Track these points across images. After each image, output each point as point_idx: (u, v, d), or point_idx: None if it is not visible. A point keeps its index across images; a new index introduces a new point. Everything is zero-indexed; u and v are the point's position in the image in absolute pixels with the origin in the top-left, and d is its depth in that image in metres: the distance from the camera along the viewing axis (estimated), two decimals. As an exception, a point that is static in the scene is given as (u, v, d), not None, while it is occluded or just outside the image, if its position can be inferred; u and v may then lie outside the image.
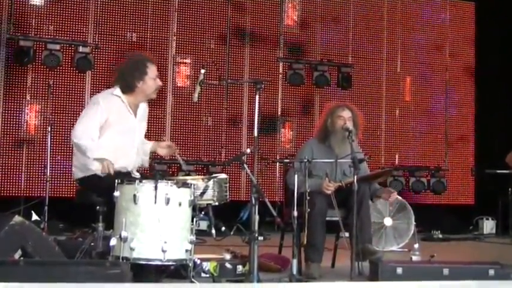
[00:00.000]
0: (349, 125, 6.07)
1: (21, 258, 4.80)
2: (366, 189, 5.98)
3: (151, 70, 5.53)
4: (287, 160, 6.86)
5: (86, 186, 5.40)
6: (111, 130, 5.37)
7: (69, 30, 9.92)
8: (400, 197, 8.31)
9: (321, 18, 11.29)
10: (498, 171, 8.52)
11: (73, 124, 5.47)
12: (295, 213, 5.43)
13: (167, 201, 4.84)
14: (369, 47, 11.53)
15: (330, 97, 10.90)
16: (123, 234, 4.75)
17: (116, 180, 4.92)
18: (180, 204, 4.89)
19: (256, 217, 5.08)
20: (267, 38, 10.98)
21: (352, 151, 5.68)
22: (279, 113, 10.95)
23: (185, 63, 10.51)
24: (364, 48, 11.51)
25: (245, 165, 5.38)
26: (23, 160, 9.57)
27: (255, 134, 5.35)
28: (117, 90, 5.49)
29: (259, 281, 5.04)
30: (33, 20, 9.79)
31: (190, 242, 4.92)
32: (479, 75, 12.03)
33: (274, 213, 5.26)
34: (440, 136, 11.86)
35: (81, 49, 9.80)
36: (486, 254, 8.59)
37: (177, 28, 10.49)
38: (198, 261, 5.21)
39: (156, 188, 4.84)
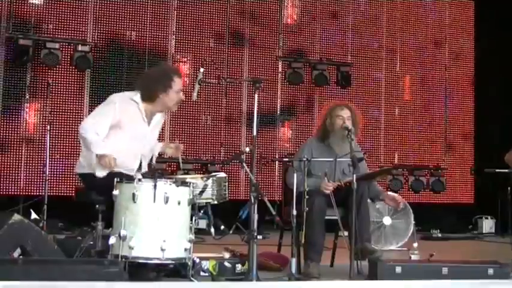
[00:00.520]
0: (349, 124, 6.06)
1: (20, 256, 4.80)
2: (365, 189, 5.97)
3: (177, 84, 5.48)
4: (286, 159, 6.87)
5: (86, 183, 5.39)
6: (121, 132, 5.35)
7: (68, 29, 9.92)
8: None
9: (321, 17, 11.29)
10: (497, 170, 8.51)
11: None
12: (294, 212, 5.44)
13: (166, 200, 4.84)
14: (368, 46, 11.53)
15: (329, 96, 10.91)
16: (122, 232, 4.75)
17: (115, 179, 4.92)
18: (179, 203, 4.90)
19: (256, 216, 5.08)
20: (266, 36, 10.97)
21: (351, 150, 5.68)
22: (278, 112, 10.95)
23: (184, 61, 10.51)
24: (364, 47, 11.51)
25: (244, 164, 5.38)
26: (22, 159, 9.57)
27: (254, 132, 5.35)
28: (137, 97, 5.44)
29: (258, 279, 5.04)
30: (33, 18, 9.79)
31: (190, 241, 4.92)
32: (478, 74, 12.03)
33: (274, 212, 5.26)
34: (440, 135, 11.87)
35: (80, 48, 9.79)
36: (485, 253, 8.59)
37: (176, 27, 10.48)
38: (197, 260, 5.21)
39: (155, 186, 4.84)
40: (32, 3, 9.81)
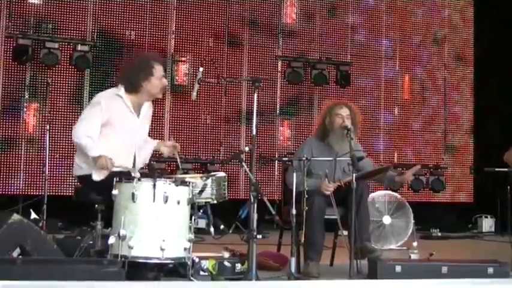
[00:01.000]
0: (348, 123, 6.06)
1: (20, 256, 4.80)
2: (365, 188, 5.98)
3: (158, 70, 5.51)
4: (286, 158, 6.87)
5: (85, 184, 5.39)
6: (112, 130, 5.35)
7: (67, 29, 9.92)
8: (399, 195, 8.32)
9: (320, 16, 11.28)
10: (497, 169, 8.49)
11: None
12: (294, 212, 5.44)
13: (165, 200, 4.84)
14: (367, 45, 11.53)
15: (328, 95, 10.89)
16: (122, 232, 4.75)
17: (115, 179, 4.92)
18: (178, 203, 4.89)
19: (255, 215, 5.08)
20: (266, 36, 10.97)
21: (351, 149, 5.67)
22: (278, 111, 10.95)
23: (184, 61, 10.50)
24: (363, 46, 11.50)
25: (244, 164, 5.38)
26: (22, 158, 9.56)
27: (254, 132, 5.35)
28: (121, 91, 5.46)
29: (257, 279, 5.04)
30: (32, 18, 9.78)
31: (189, 240, 4.91)
32: (478, 73, 12.02)
33: (273, 212, 5.26)
34: (439, 134, 11.86)
35: (79, 47, 9.79)
36: (485, 252, 8.58)
37: (175, 26, 10.48)
38: (197, 260, 5.21)
39: (154, 186, 4.84)
40: (32, 2, 9.80)
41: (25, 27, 9.73)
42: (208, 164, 10.21)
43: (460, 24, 12.10)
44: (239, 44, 10.81)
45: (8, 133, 9.56)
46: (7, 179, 9.49)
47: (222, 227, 5.41)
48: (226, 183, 5.40)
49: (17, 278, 4.29)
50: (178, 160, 5.80)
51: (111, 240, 4.79)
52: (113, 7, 10.13)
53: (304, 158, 5.70)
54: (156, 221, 4.81)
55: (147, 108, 5.62)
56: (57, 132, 9.51)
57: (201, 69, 5.59)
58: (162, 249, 4.76)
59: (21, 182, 9.49)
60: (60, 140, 9.52)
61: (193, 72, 10.32)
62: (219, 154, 10.51)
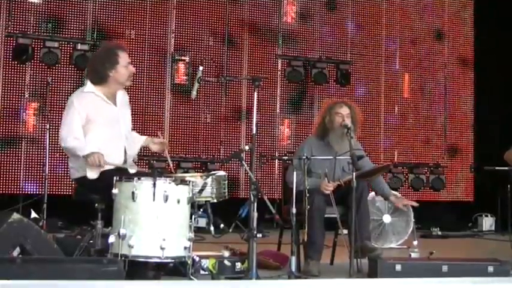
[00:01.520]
0: (348, 121, 6.06)
1: (20, 255, 4.80)
2: (365, 186, 5.98)
3: (123, 58, 5.46)
4: (286, 157, 6.87)
5: (83, 186, 5.38)
6: (94, 125, 5.35)
7: (67, 28, 9.91)
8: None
9: (320, 15, 11.28)
10: (497, 168, 8.50)
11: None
12: (294, 211, 5.44)
13: (165, 199, 4.83)
14: (367, 44, 11.52)
15: (328, 94, 10.90)
16: (122, 231, 4.74)
17: (114, 178, 4.91)
18: (178, 202, 4.89)
19: (255, 214, 5.07)
20: (266, 35, 10.96)
21: (350, 148, 5.67)
22: (278, 110, 10.95)
23: (184, 60, 10.50)
24: (363, 45, 11.50)
25: (244, 163, 5.38)
26: (22, 157, 9.56)
27: (254, 131, 5.35)
28: (87, 87, 5.46)
29: (258, 278, 5.03)
30: (32, 17, 9.78)
31: (189, 239, 4.91)
32: (478, 71, 12.02)
33: (273, 211, 5.26)
34: (439, 133, 11.86)
35: (79, 47, 9.78)
36: (485, 250, 8.58)
37: (175, 25, 10.47)
38: (197, 259, 5.20)
39: (154, 185, 4.83)
40: (31, 1, 9.80)
41: (25, 26, 9.72)
42: (209, 163, 10.22)
43: (460, 23, 12.09)
44: (239, 43, 10.81)
45: (8, 132, 9.56)
46: (7, 178, 9.49)
47: (222, 226, 5.41)
48: (226, 182, 5.40)
49: (16, 278, 4.28)
50: (169, 159, 5.79)
51: (111, 239, 4.78)
52: (112, 6, 10.12)
53: (304, 157, 5.70)
54: (156, 220, 4.80)
55: (122, 96, 5.59)
56: (57, 131, 9.42)
57: (201, 68, 5.59)
58: (162, 248, 4.75)
59: (21, 181, 9.49)
60: (60, 139, 9.50)
61: (193, 71, 10.31)
62: (219, 153, 10.51)
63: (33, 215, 8.53)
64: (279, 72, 10.99)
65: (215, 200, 5.28)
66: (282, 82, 10.98)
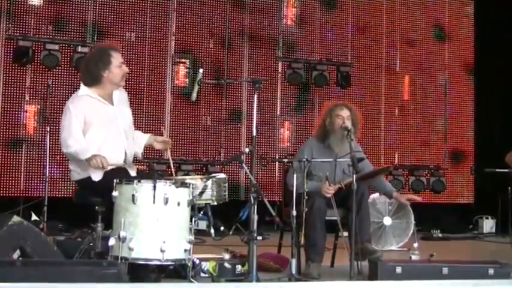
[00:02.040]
0: (348, 124, 6.06)
1: (20, 258, 4.80)
2: (365, 189, 5.98)
3: (116, 58, 5.47)
4: (286, 160, 6.86)
5: (84, 188, 5.38)
6: (93, 127, 5.36)
7: (67, 30, 9.91)
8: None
9: (320, 17, 11.28)
10: (498, 170, 8.50)
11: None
12: (294, 213, 5.44)
13: (166, 201, 4.83)
14: (367, 46, 11.52)
15: (329, 96, 10.89)
16: (122, 234, 4.74)
17: (115, 180, 4.91)
18: (178, 204, 4.89)
19: (255, 217, 5.07)
20: (266, 37, 10.96)
21: (351, 150, 5.67)
22: (278, 112, 10.94)
23: (184, 62, 10.50)
24: (363, 47, 11.49)
25: (244, 165, 5.38)
26: (22, 160, 9.56)
27: (254, 133, 5.35)
28: (81, 90, 5.46)
29: (258, 280, 5.03)
30: (32, 20, 9.78)
31: (189, 242, 4.91)
32: (478, 73, 12.01)
33: (273, 213, 5.26)
34: (440, 135, 11.85)
35: (80, 49, 9.77)
36: (486, 253, 8.58)
37: (176, 28, 10.47)
38: (197, 261, 5.21)
39: (154, 187, 4.83)
40: (32, 4, 9.80)
41: (25, 29, 9.72)
42: (209, 166, 10.22)
43: (460, 24, 12.09)
44: (239, 45, 10.81)
45: (9, 135, 9.56)
46: (8, 181, 9.48)
47: (222, 228, 5.41)
48: (226, 184, 5.40)
49: (16, 280, 4.29)
50: (171, 161, 5.78)
51: (112, 242, 4.78)
52: (113, 9, 10.12)
53: (304, 160, 5.69)
54: (157, 223, 4.80)
55: (119, 94, 5.58)
56: (58, 134, 9.43)
57: (201, 70, 5.59)
58: (162, 251, 4.76)
59: (21, 184, 9.49)
60: (60, 142, 9.49)
61: (193, 73, 10.31)
62: (220, 155, 10.51)
63: (34, 217, 8.53)
64: (279, 75, 10.98)
65: (215, 203, 5.28)
66: (282, 84, 10.98)
